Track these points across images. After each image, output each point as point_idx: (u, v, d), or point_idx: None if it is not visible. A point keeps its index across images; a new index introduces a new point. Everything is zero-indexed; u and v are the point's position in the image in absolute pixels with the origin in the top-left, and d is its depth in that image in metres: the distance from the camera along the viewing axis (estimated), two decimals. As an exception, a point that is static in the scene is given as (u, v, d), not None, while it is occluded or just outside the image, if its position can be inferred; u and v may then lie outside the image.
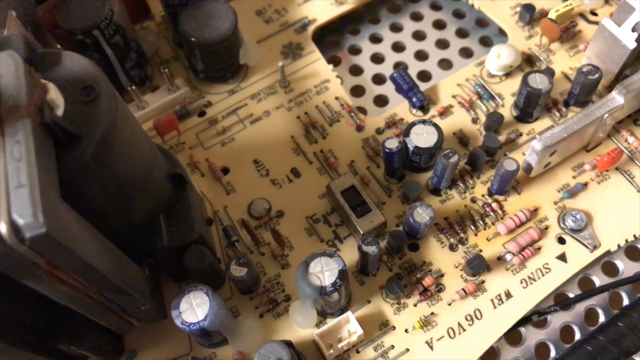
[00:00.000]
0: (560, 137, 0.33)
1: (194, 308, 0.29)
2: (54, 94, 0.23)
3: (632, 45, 0.36)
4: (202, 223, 0.34)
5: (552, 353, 0.34)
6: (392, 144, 0.34)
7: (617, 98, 0.34)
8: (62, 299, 0.24)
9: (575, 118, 0.34)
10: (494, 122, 0.37)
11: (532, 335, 0.34)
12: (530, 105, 0.37)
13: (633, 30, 0.36)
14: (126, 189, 0.28)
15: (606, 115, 0.34)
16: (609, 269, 0.35)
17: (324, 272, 0.29)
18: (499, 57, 0.39)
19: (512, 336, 0.34)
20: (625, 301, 0.34)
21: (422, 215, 0.33)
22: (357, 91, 0.44)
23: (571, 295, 0.35)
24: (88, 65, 0.25)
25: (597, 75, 0.36)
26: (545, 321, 0.34)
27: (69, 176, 0.23)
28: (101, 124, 0.24)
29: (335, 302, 0.31)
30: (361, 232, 0.33)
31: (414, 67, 0.44)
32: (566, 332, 0.34)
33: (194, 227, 0.32)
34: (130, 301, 0.28)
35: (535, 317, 0.34)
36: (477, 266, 0.33)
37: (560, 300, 0.35)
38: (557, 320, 0.34)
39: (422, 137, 0.35)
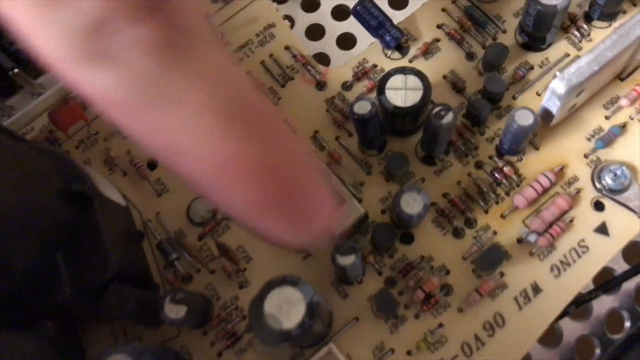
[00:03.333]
0: (589, 72, 0.24)
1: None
2: None
3: None
4: (124, 244, 0.26)
5: (597, 350, 0.26)
6: (363, 107, 0.25)
7: (662, 5, 0.25)
8: None
9: (608, 42, 0.25)
10: (497, 57, 0.28)
11: (570, 331, 0.26)
12: (542, 29, 0.27)
13: None
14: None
15: (650, 32, 0.25)
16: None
17: (286, 309, 0.21)
18: (493, -34, 0.29)
19: (545, 335, 0.26)
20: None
21: (411, 204, 0.24)
22: (314, 33, 0.34)
23: (617, 271, 0.27)
24: None
25: (630, -24, 0.27)
26: (585, 311, 0.27)
27: None
28: None
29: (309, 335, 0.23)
30: (335, 234, 0.25)
31: (384, -9, 0.34)
32: (613, 319, 0.27)
33: (108, 258, 0.23)
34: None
35: (573, 309, 0.26)
36: (495, 260, 0.25)
37: (601, 280, 0.27)
38: (600, 306, 0.26)
39: (402, 93, 0.26)
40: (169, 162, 0.18)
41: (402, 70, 0.26)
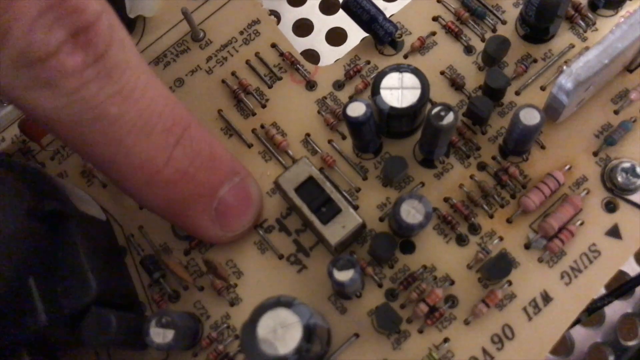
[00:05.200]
0: (599, 65, 0.23)
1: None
2: None
3: None
4: (105, 263, 0.24)
5: (611, 358, 0.25)
6: (358, 109, 0.23)
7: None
8: None
9: (618, 32, 0.23)
10: (498, 51, 0.26)
11: (582, 339, 0.25)
12: (546, 19, 0.26)
13: None
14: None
15: (663, 21, 0.23)
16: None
17: (281, 333, 0.20)
18: (491, -47, 0.27)
19: (557, 344, 0.25)
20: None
21: (412, 213, 0.22)
22: (302, 28, 0.32)
23: (629, 275, 0.25)
24: None
25: (637, -39, 0.25)
26: (597, 318, 0.25)
27: None
28: None
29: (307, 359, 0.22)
30: (332, 245, 0.23)
31: (375, -18, 0.32)
32: (627, 326, 0.25)
33: (87, 279, 0.22)
34: None
35: (584, 316, 0.25)
36: (503, 269, 0.23)
37: (614, 285, 0.25)
38: (613, 313, 0.25)
39: (399, 93, 0.24)
40: (108, 172, 0.21)
41: (398, 68, 0.24)
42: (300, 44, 0.30)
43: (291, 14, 0.32)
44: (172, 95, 0.21)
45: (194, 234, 0.25)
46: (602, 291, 0.25)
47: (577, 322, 0.24)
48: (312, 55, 0.31)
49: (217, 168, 0.22)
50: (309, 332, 0.19)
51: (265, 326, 0.20)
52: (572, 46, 0.27)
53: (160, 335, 0.22)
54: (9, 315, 0.20)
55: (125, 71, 0.19)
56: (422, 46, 0.28)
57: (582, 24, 0.27)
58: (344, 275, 0.22)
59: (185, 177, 0.21)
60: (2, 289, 0.20)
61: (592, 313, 0.24)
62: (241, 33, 0.29)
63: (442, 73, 0.27)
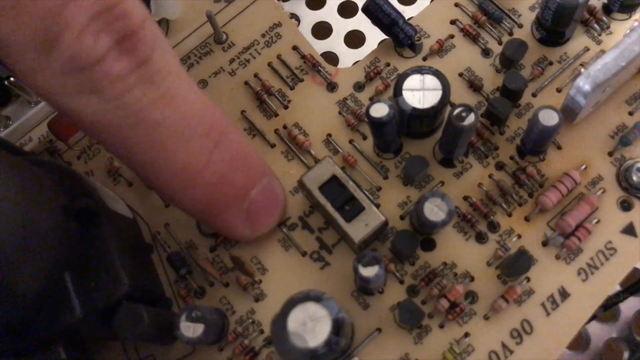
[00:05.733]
0: (616, 68, 0.23)
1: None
2: None
3: None
4: (134, 259, 0.24)
5: (626, 354, 0.25)
6: (381, 110, 0.24)
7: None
8: None
9: (634, 35, 0.24)
10: (516, 53, 0.27)
11: (598, 334, 0.26)
12: (562, 23, 0.26)
13: None
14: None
15: (678, 25, 0.24)
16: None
17: (311, 326, 0.20)
18: (507, -42, 0.28)
19: (573, 339, 0.26)
20: None
21: (435, 211, 0.23)
22: (321, 31, 0.33)
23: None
24: None
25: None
26: (613, 313, 0.26)
27: None
28: None
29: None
30: (355, 242, 0.24)
31: (392, -14, 0.33)
32: (641, 322, 0.26)
33: (119, 275, 0.22)
34: None
35: (600, 312, 0.25)
36: (522, 266, 0.24)
37: (629, 282, 0.26)
38: (628, 309, 0.26)
39: (420, 94, 0.25)
40: (147, 175, 0.22)
41: (419, 70, 0.25)
42: (319, 46, 0.31)
43: (310, 17, 0.33)
44: (209, 100, 0.22)
45: (224, 233, 0.25)
46: (618, 288, 0.26)
47: (593, 317, 0.25)
48: (330, 57, 0.32)
49: (250, 170, 0.23)
50: (338, 326, 0.20)
51: (295, 319, 0.20)
52: (587, 49, 0.28)
53: (190, 329, 0.22)
54: (46, 308, 0.21)
55: (167, 77, 0.19)
56: (441, 49, 0.28)
57: (597, 27, 0.28)
58: (369, 271, 0.22)
59: (223, 180, 0.22)
60: (41, 283, 0.20)
61: (608, 309, 0.25)
62: (263, 36, 0.30)
63: (460, 75, 0.28)
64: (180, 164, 0.20)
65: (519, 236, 0.25)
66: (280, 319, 0.20)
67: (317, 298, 0.20)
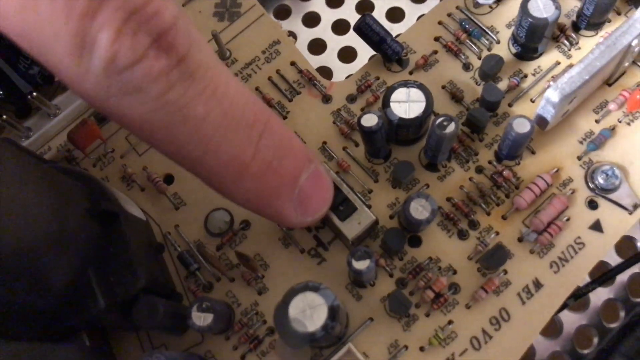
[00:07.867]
0: (581, 81, 0.26)
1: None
2: None
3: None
4: (148, 257, 0.27)
5: (595, 339, 0.28)
6: (371, 120, 0.27)
7: (645, 16, 0.27)
8: None
9: (597, 52, 0.26)
10: (493, 68, 0.29)
11: (570, 322, 0.28)
12: (534, 40, 0.29)
13: None
14: (30, 260, 0.21)
15: (636, 41, 0.26)
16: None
17: (310, 313, 0.23)
18: (485, -19, 0.31)
19: (547, 327, 0.28)
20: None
21: (420, 210, 0.26)
22: (316, 47, 0.36)
23: (611, 264, 0.29)
24: None
25: (614, -12, 0.28)
26: (583, 303, 0.28)
27: None
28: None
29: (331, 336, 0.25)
30: (348, 239, 0.27)
31: (381, 5, 0.36)
32: (609, 310, 0.29)
33: (136, 271, 0.25)
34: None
35: (571, 302, 0.28)
36: (499, 259, 0.26)
37: (597, 274, 0.29)
38: (597, 298, 0.28)
39: (406, 105, 0.27)
40: (196, 170, 0.21)
41: (405, 84, 0.28)
42: (315, 61, 0.34)
43: (306, 34, 0.36)
44: (250, 90, 0.21)
45: (277, 221, 0.26)
46: (587, 279, 0.28)
47: (565, 306, 0.28)
48: (325, 71, 0.34)
49: (297, 158, 0.23)
50: (334, 312, 0.23)
51: (296, 307, 0.23)
52: (558, 63, 0.30)
53: (200, 318, 0.25)
54: (74, 300, 0.23)
55: (207, 71, 0.19)
56: (426, 63, 0.31)
57: (567, 43, 0.31)
58: (361, 265, 0.25)
59: (271, 169, 0.21)
60: (70, 278, 0.23)
61: (578, 298, 0.28)
62: (263, 52, 0.32)
63: (443, 87, 0.31)
64: (228, 157, 0.20)
65: (497, 233, 0.28)
66: (282, 307, 0.23)
67: (315, 288, 0.23)
